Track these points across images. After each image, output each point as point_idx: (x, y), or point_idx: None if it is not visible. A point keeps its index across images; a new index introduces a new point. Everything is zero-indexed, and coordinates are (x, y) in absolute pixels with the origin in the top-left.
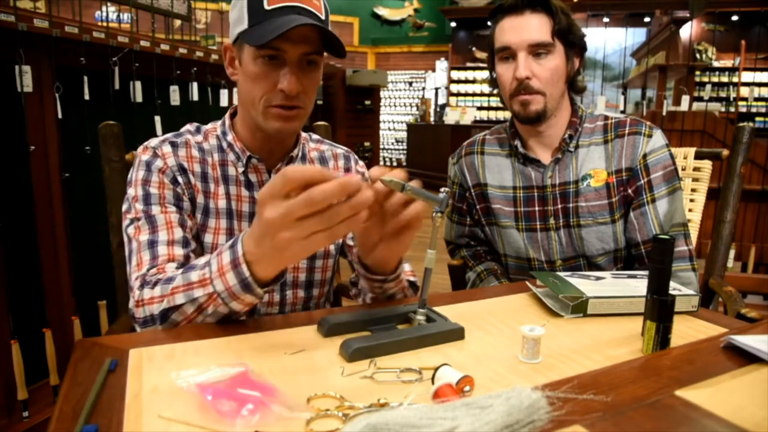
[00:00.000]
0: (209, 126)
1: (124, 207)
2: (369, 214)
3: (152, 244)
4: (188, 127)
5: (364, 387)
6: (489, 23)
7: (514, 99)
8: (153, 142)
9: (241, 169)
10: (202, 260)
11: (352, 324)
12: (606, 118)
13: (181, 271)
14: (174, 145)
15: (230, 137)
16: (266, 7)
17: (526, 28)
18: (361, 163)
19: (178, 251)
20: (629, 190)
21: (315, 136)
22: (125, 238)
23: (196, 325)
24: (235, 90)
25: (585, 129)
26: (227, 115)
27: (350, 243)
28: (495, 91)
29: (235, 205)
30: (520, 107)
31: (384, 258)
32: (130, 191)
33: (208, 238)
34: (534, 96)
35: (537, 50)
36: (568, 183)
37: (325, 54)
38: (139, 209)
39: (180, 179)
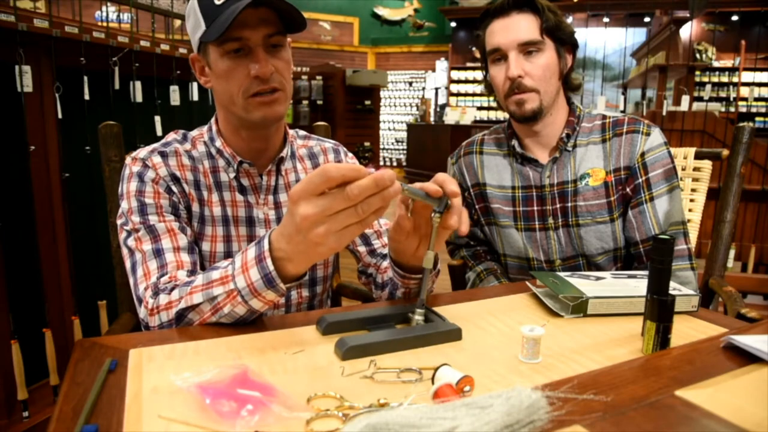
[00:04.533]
0: (195, 132)
1: (120, 221)
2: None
3: (158, 253)
4: (174, 135)
5: (364, 387)
6: (478, 29)
7: (509, 99)
8: (141, 152)
9: (232, 175)
10: (225, 261)
11: (350, 323)
12: (604, 117)
13: (203, 272)
14: (164, 155)
15: (218, 143)
16: (216, 2)
17: (514, 29)
18: (350, 155)
19: (186, 258)
20: (627, 189)
21: (302, 133)
22: (125, 252)
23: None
24: None
25: (583, 128)
26: (213, 121)
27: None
28: (492, 97)
29: (230, 211)
30: (516, 107)
31: (420, 255)
32: (124, 204)
33: (205, 247)
34: (528, 94)
35: (527, 49)
36: (566, 182)
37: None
38: (136, 221)
39: (174, 189)
